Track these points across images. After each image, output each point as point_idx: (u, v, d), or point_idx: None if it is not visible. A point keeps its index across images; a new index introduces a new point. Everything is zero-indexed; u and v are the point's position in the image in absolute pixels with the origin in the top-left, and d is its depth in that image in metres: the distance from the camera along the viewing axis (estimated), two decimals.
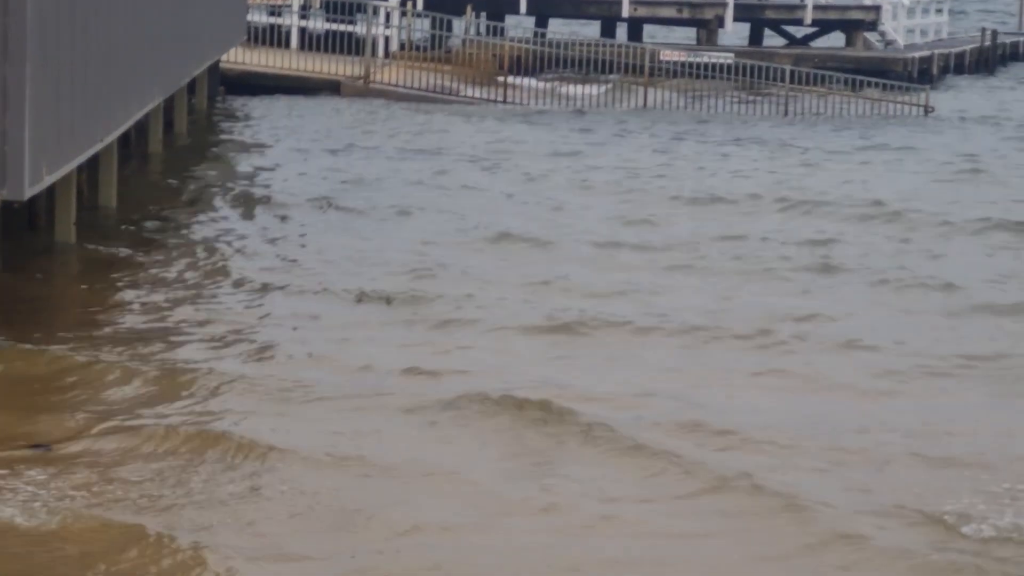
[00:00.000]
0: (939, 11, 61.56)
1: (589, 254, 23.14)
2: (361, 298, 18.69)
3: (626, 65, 44.72)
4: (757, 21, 55.40)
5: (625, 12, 52.00)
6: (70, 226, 19.07)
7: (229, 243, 21.27)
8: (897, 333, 16.64)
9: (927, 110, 44.52)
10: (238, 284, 18.58)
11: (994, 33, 62.81)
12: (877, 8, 54.53)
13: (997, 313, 17.56)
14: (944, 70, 54.64)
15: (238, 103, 39.28)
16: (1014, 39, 66.51)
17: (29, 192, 14.37)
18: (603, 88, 43.95)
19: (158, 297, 17.26)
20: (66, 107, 16.15)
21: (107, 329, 15.68)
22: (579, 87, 44.38)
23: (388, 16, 45.17)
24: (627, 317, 18.25)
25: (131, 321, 16.30)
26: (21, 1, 13.54)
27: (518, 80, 44.34)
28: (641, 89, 43.79)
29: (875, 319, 17.69)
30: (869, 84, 46.10)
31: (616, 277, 21.12)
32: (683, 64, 45.02)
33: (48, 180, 15.45)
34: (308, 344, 15.70)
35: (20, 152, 13.58)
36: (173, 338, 15.67)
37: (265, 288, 19.32)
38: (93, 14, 18.13)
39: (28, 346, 13.97)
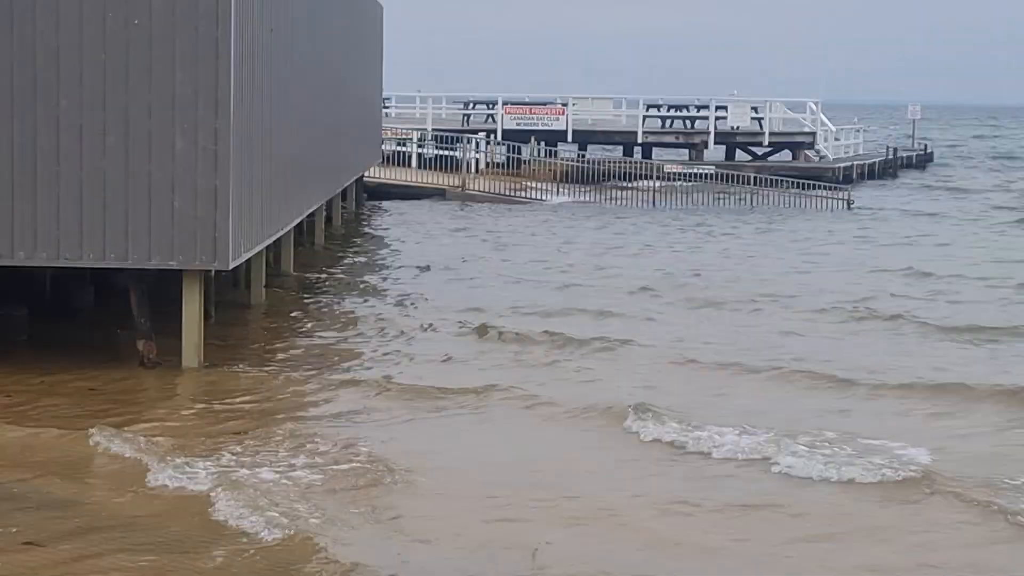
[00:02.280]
0: (856, 134, 61.34)
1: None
2: (462, 325, 18.38)
3: (640, 174, 44.81)
4: (731, 144, 54.38)
5: (639, 139, 52.28)
6: (261, 289, 19.58)
7: (370, 297, 21.45)
8: None
9: (849, 204, 42.70)
10: (378, 319, 18.79)
11: (895, 149, 63.56)
12: (813, 134, 55.11)
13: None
14: (861, 175, 54.03)
15: (376, 206, 40.26)
16: (909, 153, 65.91)
17: (232, 264, 14.57)
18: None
19: (322, 332, 17.70)
20: (257, 205, 16.63)
21: (284, 354, 16.12)
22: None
23: (477, 144, 45.68)
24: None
25: (301, 349, 16.58)
26: (226, 131, 14.03)
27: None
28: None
29: None
30: (809, 185, 44.30)
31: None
32: (680, 174, 45.27)
33: (245, 256, 15.70)
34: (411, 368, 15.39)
35: (226, 237, 14.01)
36: (332, 359, 15.88)
37: (391, 324, 19.28)
38: (277, 139, 18.43)
39: (227, 369, 14.64)
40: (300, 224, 23.90)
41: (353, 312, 20.58)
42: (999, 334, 19.83)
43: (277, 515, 8.77)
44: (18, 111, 13.75)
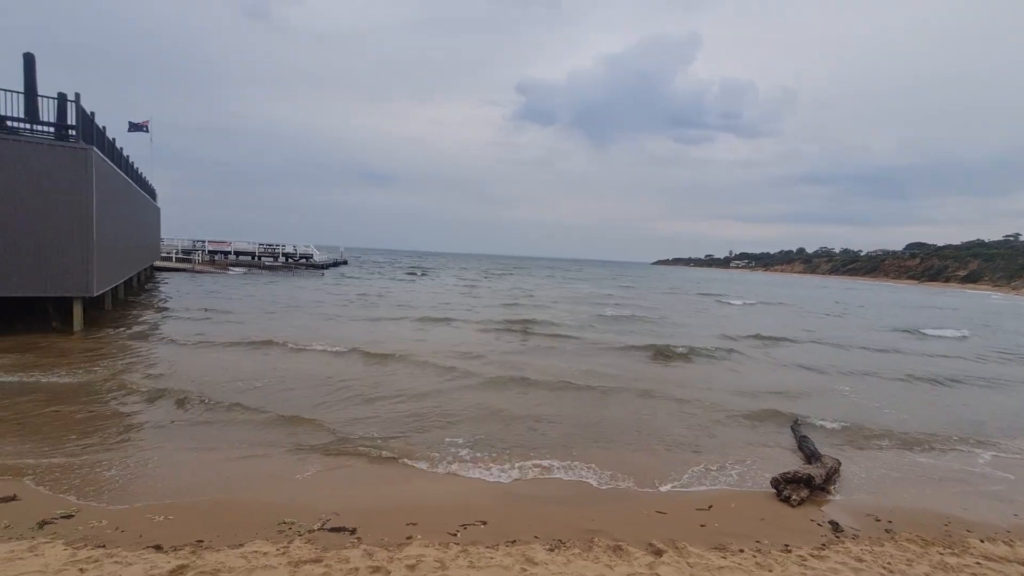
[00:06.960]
0: (321, 250, 54.36)
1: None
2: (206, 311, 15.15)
3: (256, 265, 42.11)
4: (290, 255, 48.32)
5: (258, 254, 46.84)
6: (110, 306, 16.22)
7: (157, 314, 16.42)
8: None
9: (323, 273, 41.82)
10: (162, 318, 15.17)
11: (340, 257, 59.13)
12: (310, 250, 49.59)
13: None
14: (326, 266, 49.95)
15: (160, 276, 32.20)
16: (341, 259, 60.25)
17: (97, 292, 12.08)
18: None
19: (133, 329, 13.42)
20: (112, 269, 14.42)
21: (116, 331, 12.77)
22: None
23: (198, 254, 43.36)
24: None
25: (127, 333, 12.94)
26: (89, 230, 10.71)
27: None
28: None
29: None
30: (304, 268, 43.90)
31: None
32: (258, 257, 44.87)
33: (99, 292, 12.59)
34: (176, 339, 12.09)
35: (91, 281, 11.63)
36: (133, 340, 11.96)
37: (163, 308, 16.94)
38: (118, 232, 15.24)
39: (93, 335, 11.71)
40: (127, 281, 20.49)
41: (143, 304, 17.99)
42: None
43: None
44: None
